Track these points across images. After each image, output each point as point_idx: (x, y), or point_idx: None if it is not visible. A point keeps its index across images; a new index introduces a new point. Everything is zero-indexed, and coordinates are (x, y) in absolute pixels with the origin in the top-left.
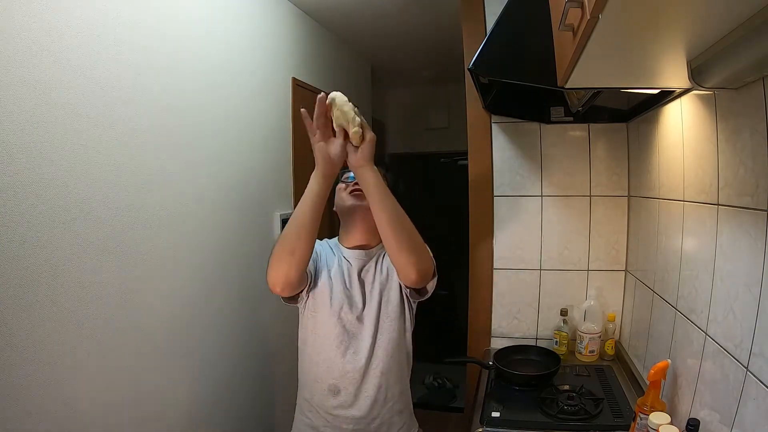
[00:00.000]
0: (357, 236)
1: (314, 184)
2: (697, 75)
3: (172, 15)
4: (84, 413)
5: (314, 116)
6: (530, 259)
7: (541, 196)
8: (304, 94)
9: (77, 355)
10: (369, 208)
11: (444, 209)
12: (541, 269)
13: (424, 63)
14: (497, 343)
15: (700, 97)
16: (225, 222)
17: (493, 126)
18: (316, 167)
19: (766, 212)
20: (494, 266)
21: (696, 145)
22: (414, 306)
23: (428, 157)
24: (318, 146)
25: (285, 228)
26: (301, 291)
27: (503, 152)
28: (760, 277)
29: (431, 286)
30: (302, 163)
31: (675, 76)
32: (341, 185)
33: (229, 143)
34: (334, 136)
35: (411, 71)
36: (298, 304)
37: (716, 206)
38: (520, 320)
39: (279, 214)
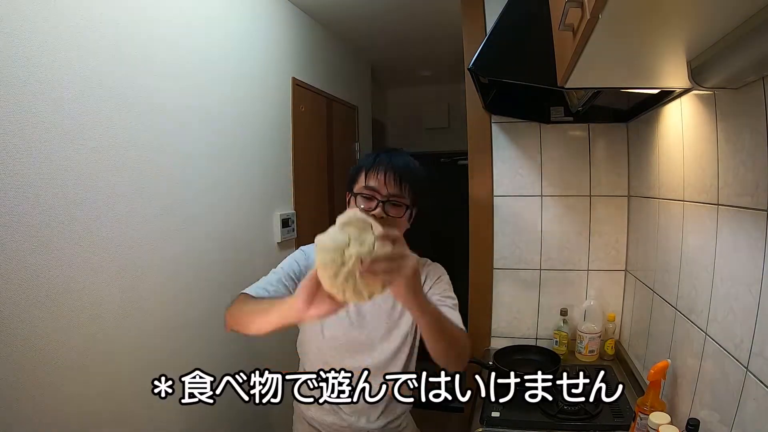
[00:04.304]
0: None
1: (287, 314)
2: (697, 75)
3: (173, 15)
4: (83, 413)
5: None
6: (530, 259)
7: (541, 196)
8: (304, 94)
9: (77, 355)
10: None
11: (444, 209)
12: (541, 269)
13: (424, 63)
14: (497, 343)
15: (700, 97)
16: (224, 222)
17: (493, 126)
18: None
19: (766, 212)
20: (494, 266)
21: (696, 145)
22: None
23: (428, 157)
24: (304, 287)
25: (243, 310)
26: None
27: (503, 152)
28: (760, 277)
29: None
30: (302, 162)
31: (675, 76)
32: (353, 207)
33: (229, 143)
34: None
35: (411, 71)
36: None
37: (716, 206)
38: (520, 320)
39: (279, 213)
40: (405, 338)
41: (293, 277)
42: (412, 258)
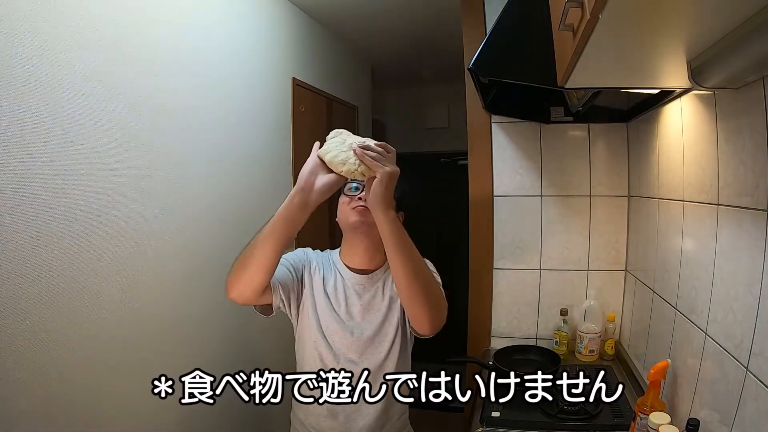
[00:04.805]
0: (359, 256)
1: (286, 203)
2: (697, 75)
3: (173, 15)
4: (83, 414)
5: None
6: (530, 259)
7: (541, 196)
8: (304, 94)
9: (76, 356)
10: (373, 225)
11: (444, 209)
12: (541, 269)
13: (424, 63)
14: (497, 343)
15: (700, 97)
16: (224, 222)
17: (493, 126)
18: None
19: (766, 212)
20: (494, 266)
21: (696, 145)
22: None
23: (428, 157)
24: (310, 161)
25: (247, 245)
26: (272, 304)
27: (503, 152)
28: (760, 277)
29: None
30: (302, 162)
31: (675, 76)
32: (344, 198)
33: (229, 143)
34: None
35: (411, 71)
36: (277, 313)
37: (716, 206)
38: (520, 320)
39: None
40: (396, 334)
41: (293, 263)
42: (395, 168)
